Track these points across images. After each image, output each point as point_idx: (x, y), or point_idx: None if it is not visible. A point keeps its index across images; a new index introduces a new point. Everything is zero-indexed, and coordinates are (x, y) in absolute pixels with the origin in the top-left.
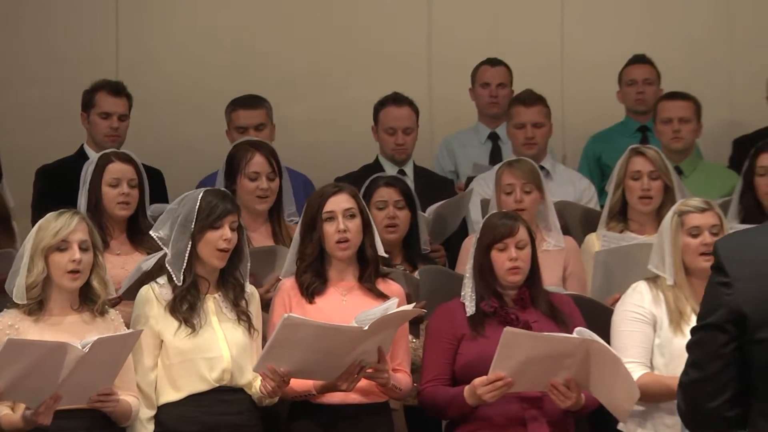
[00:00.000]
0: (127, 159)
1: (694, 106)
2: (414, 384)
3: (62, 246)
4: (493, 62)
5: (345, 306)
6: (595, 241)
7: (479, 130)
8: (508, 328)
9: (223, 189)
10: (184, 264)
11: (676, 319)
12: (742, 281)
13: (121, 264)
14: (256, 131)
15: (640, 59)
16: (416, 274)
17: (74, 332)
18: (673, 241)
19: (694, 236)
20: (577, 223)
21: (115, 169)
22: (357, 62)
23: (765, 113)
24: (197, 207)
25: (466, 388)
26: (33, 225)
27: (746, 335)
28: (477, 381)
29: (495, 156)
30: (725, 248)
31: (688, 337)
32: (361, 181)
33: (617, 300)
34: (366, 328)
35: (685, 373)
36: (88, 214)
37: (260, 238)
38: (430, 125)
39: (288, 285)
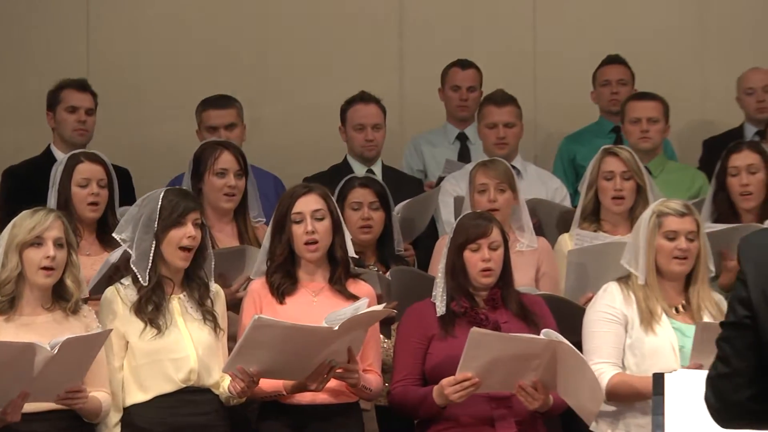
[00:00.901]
0: (96, 159)
1: (662, 107)
2: (385, 384)
3: (37, 242)
4: (463, 64)
5: (315, 307)
6: (568, 241)
7: (448, 130)
8: (474, 329)
9: (184, 188)
10: (149, 264)
11: (647, 318)
12: (756, 280)
13: (91, 264)
14: (226, 131)
15: (614, 60)
16: (388, 274)
17: (46, 332)
18: (648, 241)
19: (671, 240)
20: (551, 220)
21: (85, 169)
22: (327, 62)
23: (736, 114)
24: (159, 206)
25: (435, 388)
26: (0, 226)
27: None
28: (444, 381)
29: (463, 156)
30: (743, 246)
31: (659, 336)
32: (330, 180)
33: (590, 299)
34: (336, 328)
35: (713, 367)
36: None
37: (225, 238)
38: (400, 125)
39: (258, 285)
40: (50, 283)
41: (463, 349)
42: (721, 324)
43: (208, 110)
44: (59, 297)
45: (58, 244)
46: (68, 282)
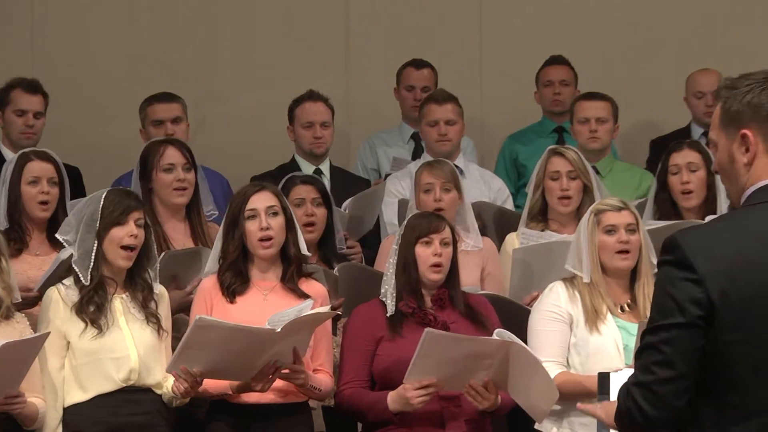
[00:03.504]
0: (46, 157)
1: (610, 107)
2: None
3: None
4: (418, 64)
5: (266, 305)
6: (515, 241)
7: (403, 129)
8: (428, 330)
9: (128, 188)
10: (91, 263)
11: (592, 318)
12: (714, 279)
13: (39, 264)
14: (172, 125)
15: (556, 60)
16: (336, 270)
17: None
18: (590, 240)
19: (610, 234)
20: (493, 223)
21: (35, 167)
22: (273, 62)
23: (684, 114)
24: (101, 206)
25: (391, 394)
26: None
27: (712, 335)
28: (408, 385)
29: (417, 156)
30: (689, 244)
31: (604, 335)
32: (277, 180)
33: (536, 298)
34: (278, 330)
35: (647, 372)
36: (8, 213)
37: (179, 236)
38: (346, 126)
39: (209, 285)
40: None
41: (416, 349)
42: (660, 326)
43: (153, 105)
44: None
45: None
46: None
